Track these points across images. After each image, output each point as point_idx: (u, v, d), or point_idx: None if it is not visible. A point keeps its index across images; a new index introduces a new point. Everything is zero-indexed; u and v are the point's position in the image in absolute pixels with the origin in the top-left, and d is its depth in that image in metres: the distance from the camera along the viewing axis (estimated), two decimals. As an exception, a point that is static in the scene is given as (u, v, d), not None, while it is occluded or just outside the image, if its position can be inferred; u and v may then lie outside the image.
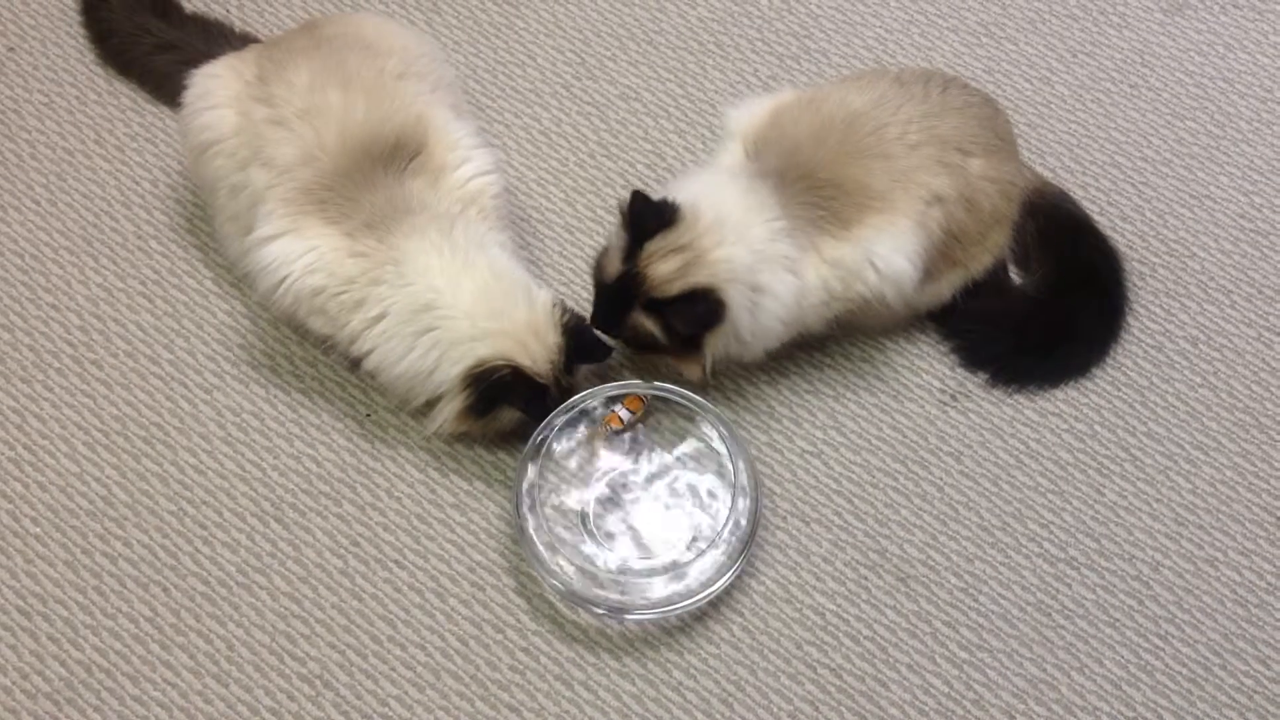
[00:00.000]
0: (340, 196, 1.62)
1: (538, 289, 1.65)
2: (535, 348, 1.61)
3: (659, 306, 1.58)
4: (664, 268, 1.56)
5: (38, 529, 1.67)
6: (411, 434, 1.73)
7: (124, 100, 1.96)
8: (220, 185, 1.68)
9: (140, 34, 1.91)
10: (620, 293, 1.60)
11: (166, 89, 1.91)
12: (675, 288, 1.56)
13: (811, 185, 1.58)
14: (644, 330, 1.61)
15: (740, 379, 1.77)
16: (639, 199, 1.57)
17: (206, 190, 1.74)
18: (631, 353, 1.76)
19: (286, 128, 1.62)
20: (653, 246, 1.57)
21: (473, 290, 1.60)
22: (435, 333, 1.60)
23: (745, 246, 1.56)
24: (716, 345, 1.62)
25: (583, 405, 1.69)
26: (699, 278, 1.55)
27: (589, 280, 1.83)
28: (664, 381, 1.70)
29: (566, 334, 1.64)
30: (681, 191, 1.60)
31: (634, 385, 1.71)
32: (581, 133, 1.97)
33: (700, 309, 1.56)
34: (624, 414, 1.69)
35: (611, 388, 1.71)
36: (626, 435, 1.71)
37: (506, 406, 1.64)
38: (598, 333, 1.67)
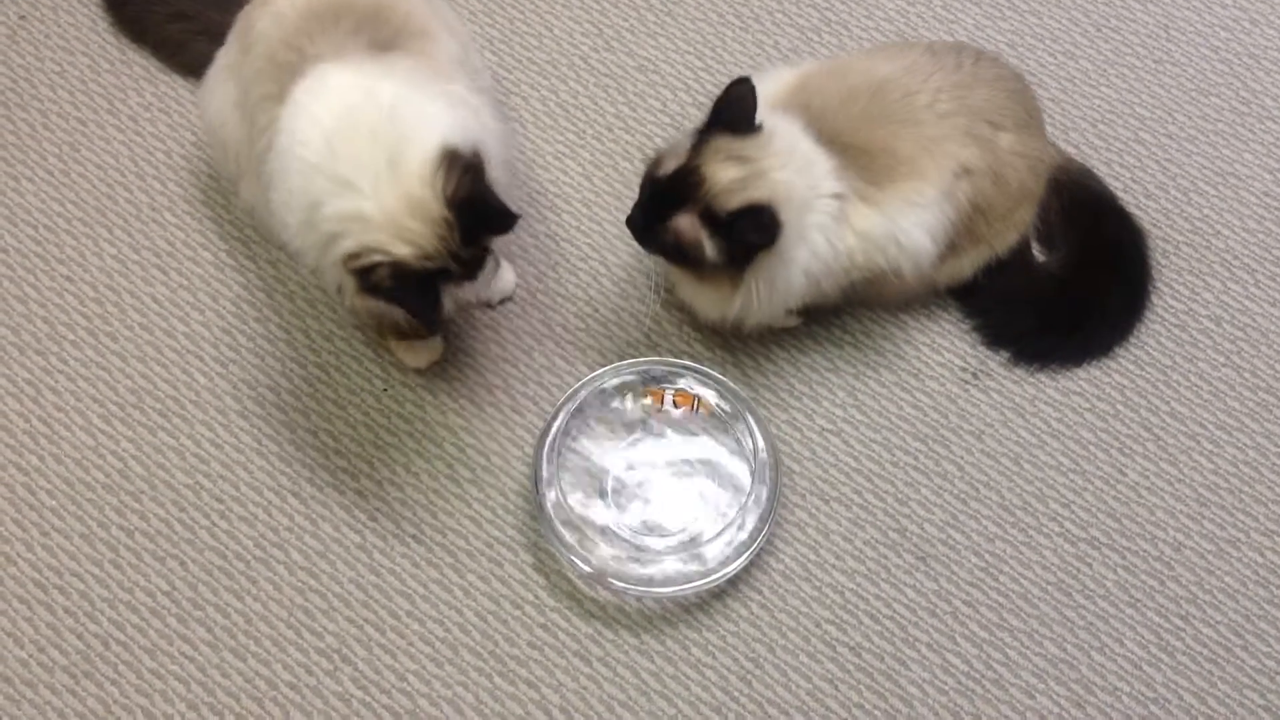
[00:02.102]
0: (298, 54, 1.51)
1: (428, 137, 1.42)
2: (414, 228, 1.40)
3: (716, 213, 1.48)
4: (726, 173, 1.47)
5: (54, 502, 1.66)
6: (429, 409, 1.72)
7: (137, 69, 1.94)
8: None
9: (155, 2, 1.88)
10: (672, 189, 1.49)
11: (180, 58, 1.89)
12: (736, 200, 1.47)
13: (841, 149, 1.55)
14: (690, 238, 1.49)
15: (759, 356, 1.76)
16: (745, 86, 1.48)
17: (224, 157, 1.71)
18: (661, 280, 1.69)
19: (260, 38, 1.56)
20: (719, 145, 1.49)
21: (342, 137, 1.41)
22: (294, 176, 1.44)
23: (805, 182, 1.50)
24: (757, 278, 1.53)
25: (602, 384, 1.67)
26: (760, 193, 1.47)
27: (609, 255, 1.82)
28: (682, 359, 1.69)
29: (454, 207, 1.41)
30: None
31: (649, 361, 1.70)
32: (599, 105, 1.94)
33: (765, 218, 1.46)
34: (669, 398, 1.67)
35: (631, 364, 1.69)
36: (645, 414, 1.70)
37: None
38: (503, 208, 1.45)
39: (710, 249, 1.50)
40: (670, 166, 1.51)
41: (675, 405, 1.67)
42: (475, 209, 1.42)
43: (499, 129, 1.59)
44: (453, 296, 1.51)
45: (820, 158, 1.53)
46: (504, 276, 1.76)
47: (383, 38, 1.54)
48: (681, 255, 1.52)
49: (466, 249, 1.43)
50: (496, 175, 1.50)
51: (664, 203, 1.50)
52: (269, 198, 1.51)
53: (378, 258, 1.40)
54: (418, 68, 1.52)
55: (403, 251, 1.40)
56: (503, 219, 1.44)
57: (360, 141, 1.41)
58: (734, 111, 1.50)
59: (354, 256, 1.41)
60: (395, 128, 1.41)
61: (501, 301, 1.78)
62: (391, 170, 1.40)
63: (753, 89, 1.49)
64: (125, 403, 1.72)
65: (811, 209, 1.51)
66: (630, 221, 1.54)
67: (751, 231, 1.48)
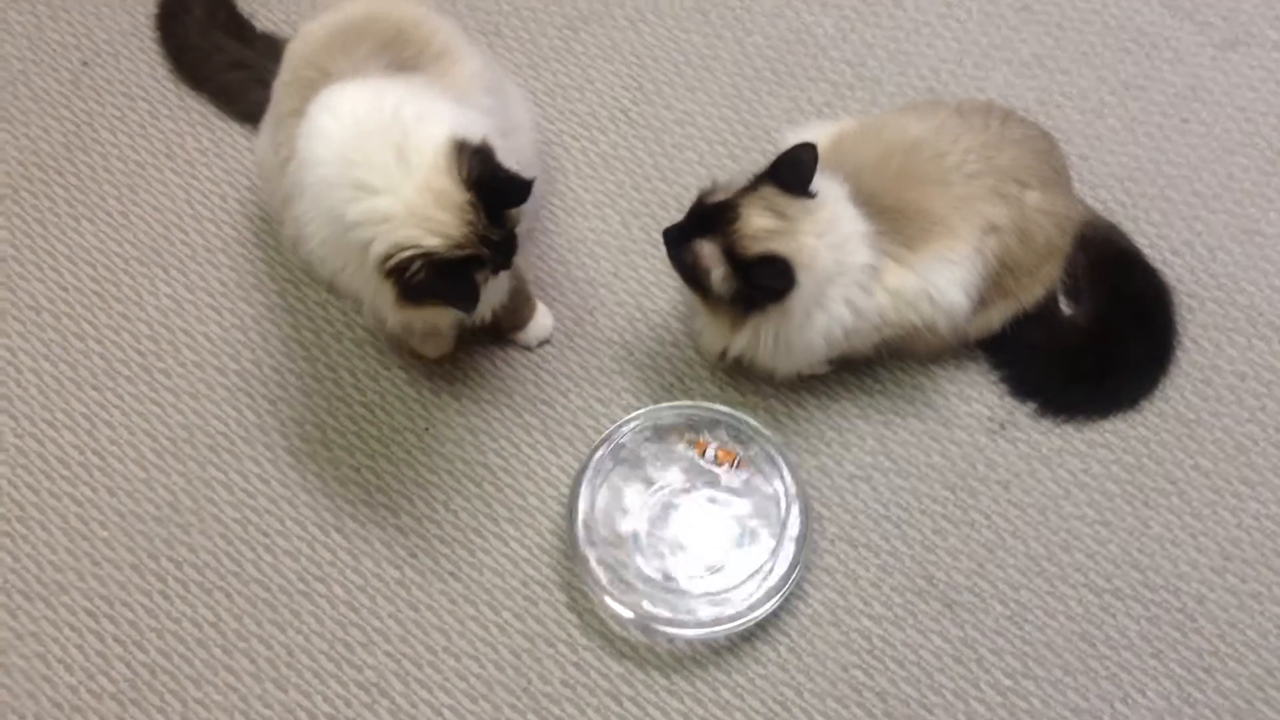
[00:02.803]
0: (321, 73, 1.58)
1: (435, 130, 1.46)
2: (441, 217, 1.43)
3: (737, 252, 1.55)
4: (760, 221, 1.55)
5: (105, 533, 1.72)
6: (469, 448, 1.77)
7: (194, 115, 2.02)
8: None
9: (214, 51, 1.96)
10: (709, 217, 1.57)
11: (237, 105, 1.97)
12: (758, 246, 1.54)
13: (877, 210, 1.60)
14: (704, 264, 1.57)
15: (790, 402, 1.80)
16: (809, 152, 1.55)
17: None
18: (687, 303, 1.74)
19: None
20: (766, 194, 1.56)
21: (354, 146, 1.46)
22: (315, 200, 1.48)
23: (835, 255, 1.56)
24: (759, 327, 1.60)
25: (633, 425, 1.72)
26: (784, 248, 1.54)
27: (645, 301, 1.87)
28: (719, 404, 1.74)
29: (474, 187, 1.44)
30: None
31: (684, 406, 1.75)
32: (638, 156, 2.00)
33: (780, 269, 1.53)
34: (711, 452, 1.71)
35: (666, 408, 1.74)
36: (677, 455, 1.74)
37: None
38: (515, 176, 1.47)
39: (719, 280, 1.58)
40: (718, 197, 1.59)
41: (717, 461, 1.72)
42: (494, 185, 1.45)
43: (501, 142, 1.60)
44: (488, 288, 1.55)
45: (858, 227, 1.58)
46: (541, 321, 1.82)
47: (403, 59, 1.61)
48: (694, 278, 1.61)
49: (495, 230, 1.47)
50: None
51: (699, 226, 1.59)
52: (292, 213, 1.57)
53: (410, 253, 1.42)
54: (430, 84, 1.57)
55: (434, 243, 1.43)
56: (520, 187, 1.46)
57: (372, 145, 1.45)
58: (790, 171, 1.57)
59: (387, 258, 1.44)
60: (402, 126, 1.45)
61: (540, 344, 1.83)
62: (407, 166, 1.43)
63: (815, 155, 1.56)
64: (177, 438, 1.78)
65: (835, 282, 1.57)
66: (667, 232, 1.62)
67: (764, 278, 1.55)
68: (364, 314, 1.79)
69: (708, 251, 1.57)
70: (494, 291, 1.62)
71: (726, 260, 1.56)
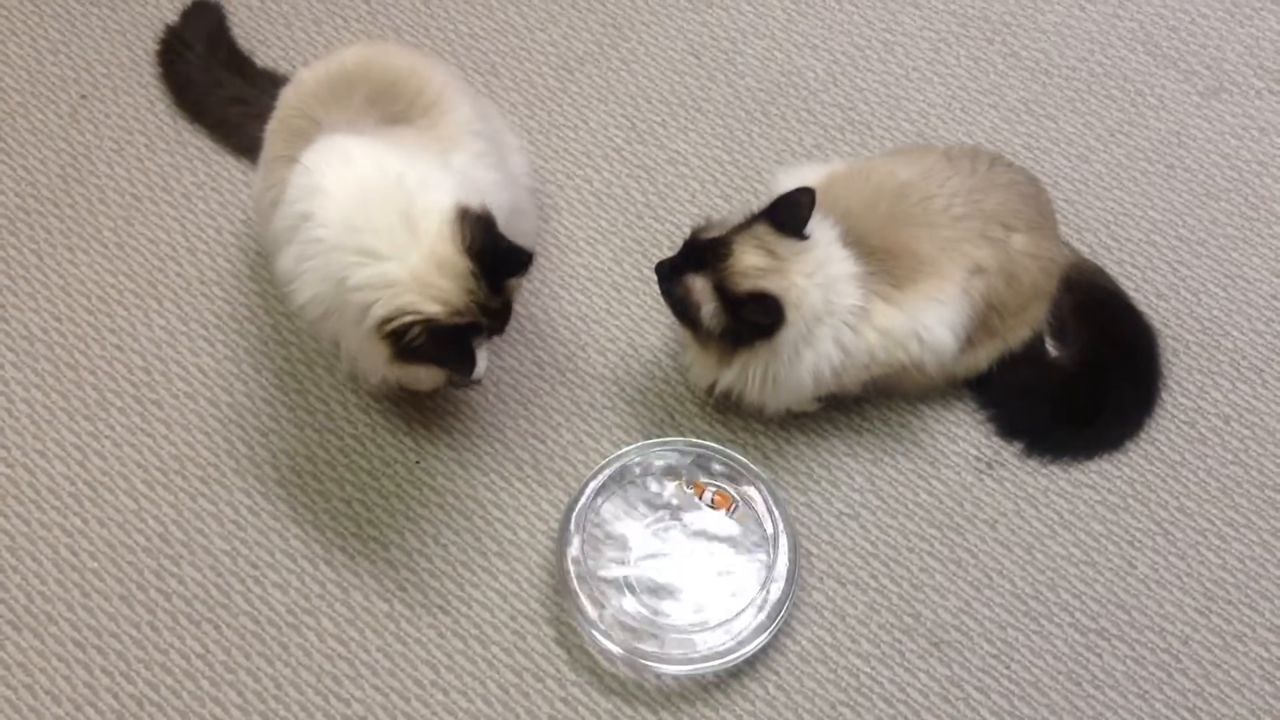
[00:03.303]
0: (311, 122, 1.61)
1: (440, 198, 1.49)
2: (443, 285, 1.47)
3: (728, 289, 1.58)
4: (751, 259, 1.57)
5: (95, 564, 1.72)
6: (459, 482, 1.78)
7: (191, 149, 2.04)
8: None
9: (215, 86, 1.99)
10: (702, 252, 1.60)
11: (236, 139, 1.99)
12: (748, 283, 1.57)
13: (866, 250, 1.63)
14: (695, 298, 1.60)
15: (780, 439, 1.82)
16: (807, 196, 1.58)
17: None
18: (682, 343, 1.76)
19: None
20: (759, 232, 1.59)
21: (359, 212, 1.48)
22: (311, 258, 1.50)
23: (823, 295, 1.58)
24: (748, 363, 1.63)
25: (623, 461, 1.73)
26: (773, 287, 1.56)
27: (637, 337, 1.89)
28: (709, 441, 1.75)
29: (476, 257, 1.48)
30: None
31: (674, 442, 1.76)
32: (630, 194, 2.03)
33: (770, 306, 1.56)
34: (708, 495, 1.72)
35: (656, 444, 1.75)
36: (676, 499, 1.75)
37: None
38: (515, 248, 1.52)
39: (709, 315, 1.60)
40: (711, 233, 1.62)
41: (714, 505, 1.72)
42: (494, 255, 1.50)
43: (495, 189, 1.64)
44: (431, 372, 1.61)
45: (848, 269, 1.61)
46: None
47: (394, 112, 1.64)
48: (684, 312, 1.63)
49: (494, 298, 1.52)
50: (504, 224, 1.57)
51: (692, 261, 1.61)
52: (275, 259, 1.59)
53: (410, 318, 1.47)
54: (422, 140, 1.60)
55: (434, 309, 1.47)
56: (521, 259, 1.52)
57: (376, 212, 1.49)
58: (786, 213, 1.59)
59: (387, 321, 1.48)
60: (407, 193, 1.49)
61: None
62: (412, 233, 1.47)
63: (812, 200, 1.59)
64: (168, 469, 1.78)
65: (824, 322, 1.60)
66: (659, 266, 1.65)
67: (753, 314, 1.57)
68: (342, 361, 1.79)
69: (699, 286, 1.60)
70: (429, 377, 1.68)
71: (717, 296, 1.59)
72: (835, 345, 1.61)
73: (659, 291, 1.66)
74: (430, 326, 1.48)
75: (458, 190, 1.52)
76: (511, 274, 1.55)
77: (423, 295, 1.47)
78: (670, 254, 1.66)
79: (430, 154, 1.58)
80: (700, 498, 1.72)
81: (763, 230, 1.59)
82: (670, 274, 1.63)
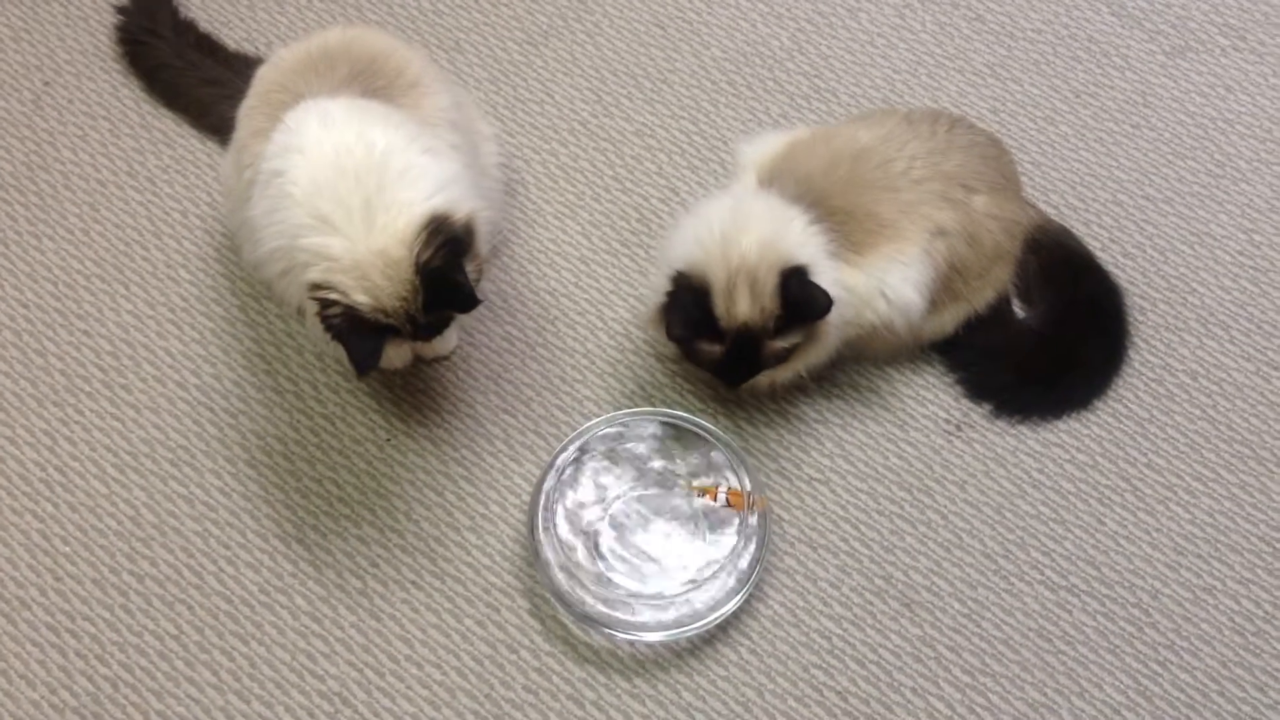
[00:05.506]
0: (293, 95, 1.61)
1: (414, 199, 1.47)
2: (380, 283, 1.46)
3: (785, 293, 1.58)
4: (745, 304, 1.58)
5: (67, 548, 1.72)
6: (430, 458, 1.78)
7: (156, 134, 2.03)
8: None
9: (188, 68, 1.99)
10: (751, 339, 1.60)
11: (207, 119, 1.99)
12: (773, 281, 1.57)
13: (826, 212, 1.63)
14: (775, 351, 1.62)
15: (750, 407, 1.82)
16: (824, 299, 1.56)
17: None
18: (674, 369, 1.80)
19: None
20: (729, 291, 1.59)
21: (328, 176, 1.47)
22: (276, 211, 1.50)
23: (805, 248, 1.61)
24: (800, 354, 1.67)
25: (594, 432, 1.74)
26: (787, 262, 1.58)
27: (605, 309, 1.89)
28: (679, 410, 1.75)
29: (424, 275, 1.46)
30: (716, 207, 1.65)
31: (643, 412, 1.76)
32: (597, 167, 2.03)
33: (813, 290, 1.56)
34: (721, 496, 1.70)
35: (626, 414, 1.76)
36: (638, 460, 1.75)
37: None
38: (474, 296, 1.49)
39: (779, 350, 1.63)
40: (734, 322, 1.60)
41: (728, 503, 1.70)
42: (443, 284, 1.48)
43: (466, 183, 1.61)
44: (401, 351, 1.65)
45: (801, 224, 1.62)
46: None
47: (375, 88, 1.63)
48: (785, 355, 1.65)
49: (425, 315, 1.50)
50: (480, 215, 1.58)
51: (750, 347, 1.62)
52: (246, 215, 1.59)
53: (335, 296, 1.47)
54: (408, 119, 1.59)
55: (360, 300, 1.47)
56: (465, 300, 1.49)
57: (346, 184, 1.47)
58: (803, 301, 1.58)
59: (316, 287, 1.48)
60: (383, 179, 1.47)
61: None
62: (372, 221, 1.46)
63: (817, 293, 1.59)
64: (138, 452, 1.78)
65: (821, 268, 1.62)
66: (724, 375, 1.68)
67: (814, 292, 1.56)
68: (307, 328, 1.78)
69: (774, 346, 1.62)
70: (398, 355, 1.71)
71: (777, 330, 1.60)
72: (839, 287, 1.62)
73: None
74: (350, 313, 1.47)
75: (446, 191, 1.50)
76: (450, 309, 1.54)
77: (356, 282, 1.46)
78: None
79: (417, 136, 1.55)
80: (715, 500, 1.70)
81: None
82: (754, 371, 1.65)
